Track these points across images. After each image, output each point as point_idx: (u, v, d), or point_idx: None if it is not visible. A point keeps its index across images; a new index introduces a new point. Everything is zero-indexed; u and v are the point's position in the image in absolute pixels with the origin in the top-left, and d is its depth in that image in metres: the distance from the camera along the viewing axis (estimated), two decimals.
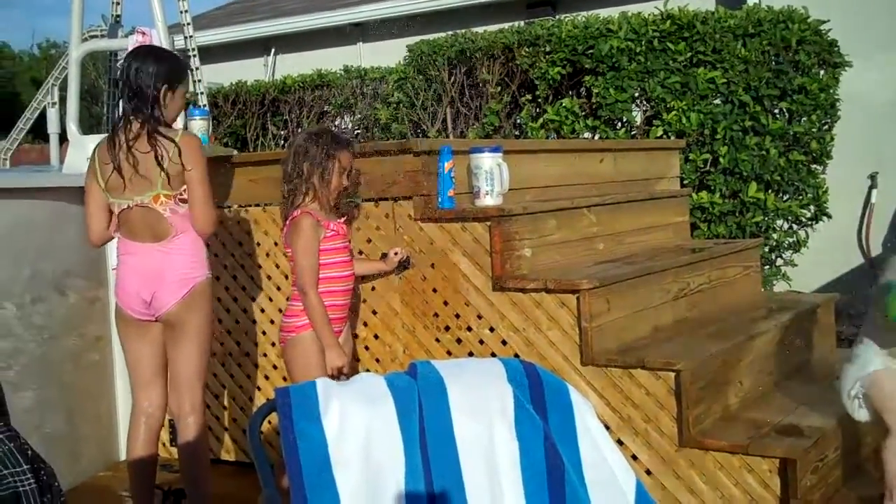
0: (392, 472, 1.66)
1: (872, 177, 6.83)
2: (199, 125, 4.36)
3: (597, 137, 5.93)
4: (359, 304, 3.98)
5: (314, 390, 1.69)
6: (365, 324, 3.99)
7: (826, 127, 5.99)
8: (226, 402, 4.42)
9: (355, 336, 4.00)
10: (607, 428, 3.42)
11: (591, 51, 5.90)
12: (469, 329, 3.77)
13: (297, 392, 1.68)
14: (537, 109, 6.27)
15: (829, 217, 6.00)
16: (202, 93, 5.21)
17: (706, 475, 3.31)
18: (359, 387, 1.76)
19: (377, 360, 3.98)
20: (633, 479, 1.94)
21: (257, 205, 4.26)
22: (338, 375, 3.35)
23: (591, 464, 1.89)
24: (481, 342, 3.75)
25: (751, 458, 3.24)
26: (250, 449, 1.68)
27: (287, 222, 3.46)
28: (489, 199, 3.83)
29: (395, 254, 3.81)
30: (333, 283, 3.44)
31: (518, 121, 6.43)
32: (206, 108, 4.87)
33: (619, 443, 3.43)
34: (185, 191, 3.28)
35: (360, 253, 3.94)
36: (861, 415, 3.25)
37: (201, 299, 3.36)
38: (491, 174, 3.82)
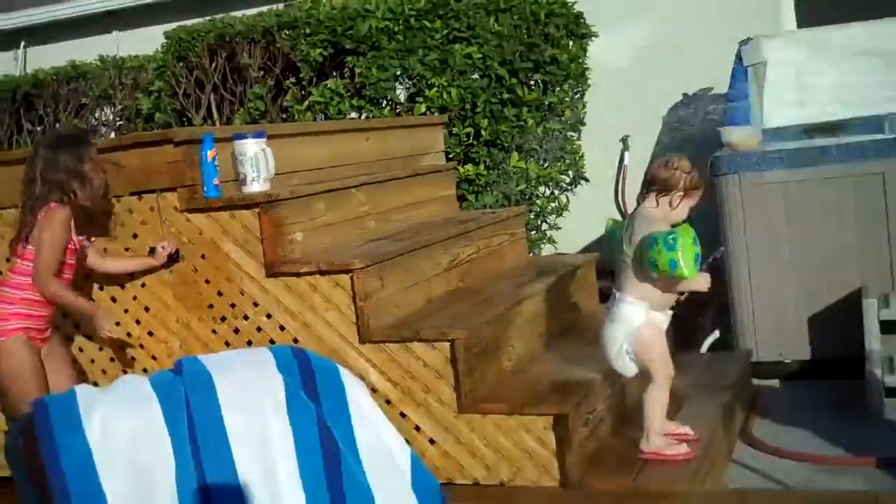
0: (162, 473, 1.64)
1: (624, 140, 7.20)
2: None
3: (363, 117, 5.98)
4: (129, 302, 3.87)
5: (74, 400, 1.64)
6: (137, 321, 3.88)
7: (578, 95, 6.27)
8: None
9: (129, 335, 3.89)
10: (388, 402, 3.50)
11: (350, 31, 5.93)
12: (246, 318, 3.74)
13: (55, 403, 1.63)
14: (302, 92, 6.24)
15: (587, 180, 6.31)
16: None
17: (486, 438, 3.44)
18: (122, 390, 1.73)
19: (153, 358, 3.88)
20: (409, 453, 2.00)
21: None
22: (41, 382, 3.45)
23: (366, 444, 1.93)
24: (259, 329, 3.73)
25: (526, 418, 3.38)
26: (9, 465, 1.62)
27: (38, 215, 3.41)
28: (256, 186, 3.80)
29: (163, 248, 3.72)
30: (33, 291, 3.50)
31: (284, 104, 6.38)
32: None
33: (402, 415, 3.51)
34: None
35: (127, 250, 3.83)
36: (630, 370, 3.46)
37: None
38: (256, 160, 3.79)
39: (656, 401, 3.45)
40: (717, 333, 5.16)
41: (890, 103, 5.46)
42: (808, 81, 5.75)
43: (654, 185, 3.38)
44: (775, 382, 4.76)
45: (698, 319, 5.74)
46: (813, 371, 4.71)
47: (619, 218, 3.75)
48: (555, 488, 3.33)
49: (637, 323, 3.39)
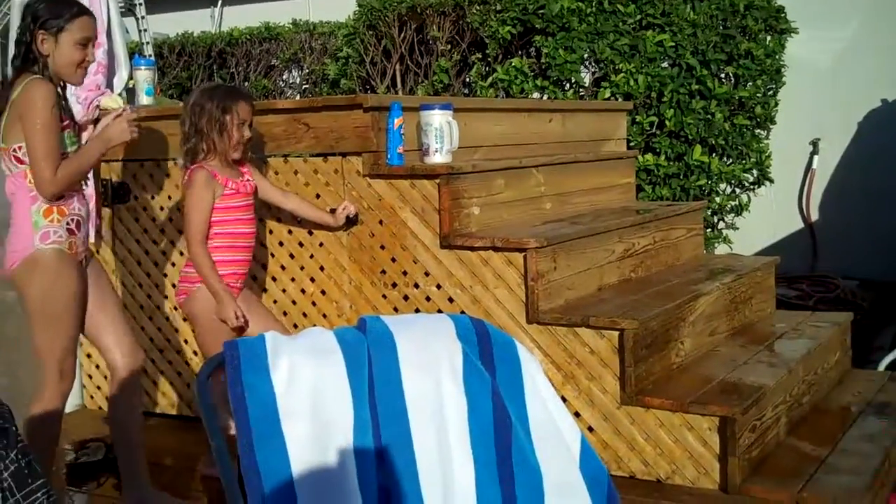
0: (340, 425, 1.67)
1: (814, 143, 6.93)
2: (145, 75, 4.29)
3: (545, 98, 5.94)
4: (306, 260, 3.98)
5: (263, 344, 1.69)
6: (312, 279, 3.98)
7: (771, 92, 6.06)
8: (170, 357, 4.39)
9: (302, 291, 4.00)
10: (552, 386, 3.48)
11: (541, 10, 5.89)
12: (416, 286, 3.78)
13: (245, 346, 1.68)
14: (487, 68, 6.25)
15: (772, 182, 6.09)
16: (148, 42, 5.12)
17: (647, 432, 3.37)
18: (308, 341, 1.76)
19: (324, 316, 3.98)
20: (579, 435, 1.97)
21: (173, 159, 4.20)
22: (235, 328, 3.39)
23: (537, 419, 1.91)
24: (428, 299, 3.76)
25: (691, 417, 3.30)
26: (198, 402, 1.68)
27: (184, 177, 3.47)
28: (438, 157, 3.82)
29: (344, 209, 3.80)
30: (233, 239, 3.47)
31: (467, 79, 6.41)
32: (152, 58, 4.79)
33: (563, 399, 3.43)
34: (20, 147, 3.09)
35: None
36: None
37: (33, 273, 3.12)
38: (441, 131, 3.81)
39: None
40: None
41: None
42: None
43: None
44: None
45: (879, 335, 5.49)
46: None
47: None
48: (714, 491, 3.24)
49: None
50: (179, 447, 3.91)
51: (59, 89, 3.17)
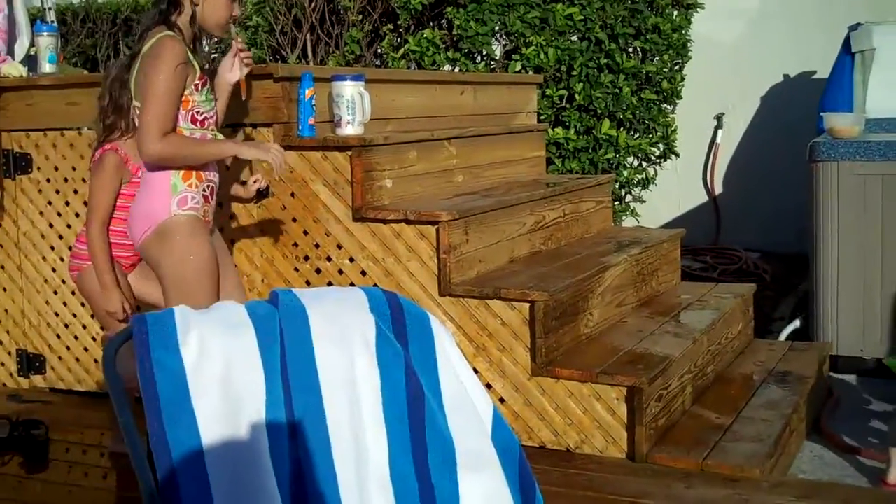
0: (252, 401, 1.66)
1: (718, 118, 7.07)
2: (47, 42, 4.16)
3: (457, 70, 5.94)
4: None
5: (172, 319, 1.66)
6: None
7: (677, 67, 6.16)
8: (76, 332, 4.29)
9: None
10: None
11: None
12: (329, 259, 3.76)
13: (154, 320, 1.65)
14: (398, 39, 6.22)
15: (677, 155, 6.20)
16: (50, 8, 4.96)
17: (557, 403, 3.43)
18: (218, 315, 1.74)
19: None
20: (491, 406, 1.99)
21: (77, 129, 4.10)
22: (120, 318, 3.28)
23: (450, 392, 1.92)
24: (340, 272, 3.75)
25: (599, 387, 3.37)
26: (105, 378, 1.65)
27: (94, 155, 3.35)
28: (350, 129, 3.79)
29: (255, 181, 3.74)
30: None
31: (379, 50, 6.37)
32: (55, 24, 4.63)
33: (475, 371, 3.47)
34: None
35: None
36: None
37: (171, 242, 3.00)
38: (352, 103, 3.78)
39: None
40: (797, 322, 5.06)
41: None
42: None
43: None
44: (853, 378, 4.66)
45: (779, 306, 5.65)
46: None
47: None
48: (621, 459, 3.32)
49: None
50: (87, 423, 3.83)
51: (194, 44, 3.05)
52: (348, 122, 3.79)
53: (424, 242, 3.61)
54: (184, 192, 3.02)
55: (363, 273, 3.71)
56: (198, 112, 3.03)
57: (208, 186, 3.10)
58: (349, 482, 1.74)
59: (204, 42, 3.24)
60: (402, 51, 6.06)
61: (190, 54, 2.99)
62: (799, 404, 3.82)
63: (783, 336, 5.02)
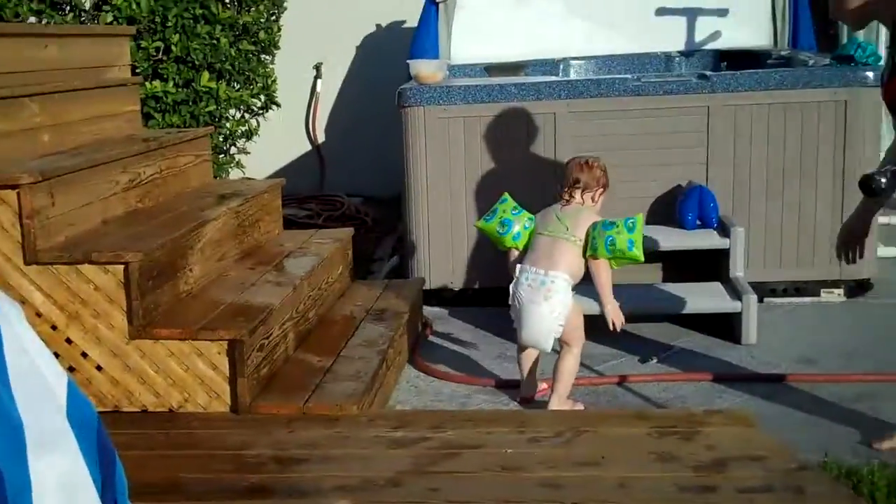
0: None
1: (317, 67, 7.23)
2: None
3: (43, 22, 5.61)
4: None
5: None
6: None
7: (273, 17, 6.22)
8: None
9: None
10: (54, 328, 3.38)
11: None
12: None
13: None
14: None
15: (279, 106, 6.30)
16: None
17: (158, 364, 3.40)
18: None
19: None
20: (65, 382, 1.95)
21: None
22: None
23: (18, 371, 1.86)
24: None
25: (200, 343, 3.39)
26: None
27: None
28: None
29: None
30: None
31: None
32: None
33: (69, 341, 3.40)
34: None
35: None
36: (550, 344, 3.70)
37: None
38: None
39: (573, 368, 3.74)
40: (394, 261, 5.37)
41: (566, 48, 5.89)
42: (494, 22, 6.04)
43: (578, 183, 3.77)
44: (444, 311, 5.03)
45: (380, 248, 5.95)
46: (479, 299, 5.03)
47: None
48: (225, 413, 3.37)
49: (569, 300, 3.67)
50: None
51: None
52: None
53: (5, 208, 3.41)
54: None
55: None
56: None
57: None
58: None
59: None
60: None
61: None
62: (395, 339, 4.08)
63: (382, 276, 5.31)
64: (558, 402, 3.73)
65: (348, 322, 4.25)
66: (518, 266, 3.76)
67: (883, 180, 2.88)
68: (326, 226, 5.94)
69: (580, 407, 3.78)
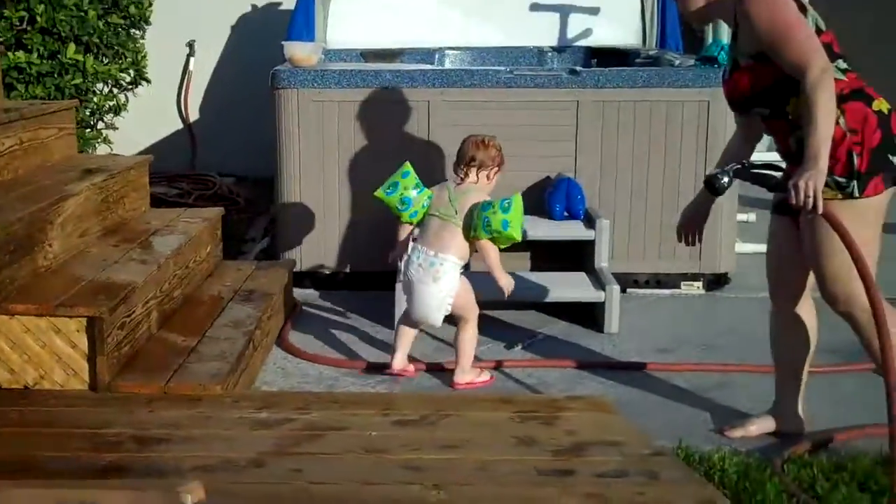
0: None
1: (190, 45, 7.09)
2: None
3: None
4: None
5: None
6: None
7: None
8: None
9: None
10: None
11: None
12: None
13: None
14: None
15: (149, 82, 6.16)
16: None
17: (13, 340, 3.30)
18: None
19: None
20: None
21: None
22: None
23: None
24: None
25: (58, 320, 3.29)
26: None
27: None
28: None
29: None
30: None
31: None
32: None
33: None
34: None
35: None
36: (440, 321, 3.83)
37: None
38: None
39: (472, 339, 3.89)
40: (265, 242, 5.32)
41: (442, 38, 5.94)
42: (371, 8, 6.05)
43: (473, 161, 3.85)
44: (315, 293, 5.02)
45: (251, 228, 5.90)
46: (350, 282, 5.04)
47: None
48: (84, 391, 3.29)
49: (457, 280, 3.78)
50: None
51: None
52: None
53: None
54: None
55: None
56: None
57: None
58: None
59: None
60: None
61: None
62: (262, 320, 4.05)
63: (252, 256, 5.26)
64: (462, 375, 3.85)
65: (215, 302, 4.20)
66: (410, 244, 3.87)
67: (725, 180, 3.09)
68: (197, 205, 5.85)
69: (486, 377, 3.91)
